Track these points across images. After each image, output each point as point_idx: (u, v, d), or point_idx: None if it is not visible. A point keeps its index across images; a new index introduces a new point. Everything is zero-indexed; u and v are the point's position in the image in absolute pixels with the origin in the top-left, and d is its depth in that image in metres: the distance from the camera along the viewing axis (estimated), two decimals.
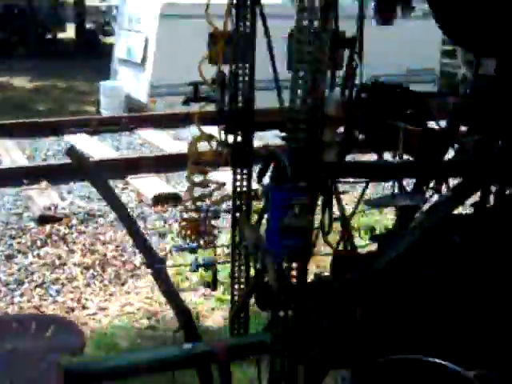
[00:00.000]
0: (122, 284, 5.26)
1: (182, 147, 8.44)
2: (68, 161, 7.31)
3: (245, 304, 2.88)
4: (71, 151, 2.59)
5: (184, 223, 2.90)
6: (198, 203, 2.87)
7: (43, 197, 6.08)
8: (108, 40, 21.14)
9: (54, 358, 2.39)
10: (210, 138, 2.73)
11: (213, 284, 2.86)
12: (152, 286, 5.26)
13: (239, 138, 2.69)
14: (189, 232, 2.89)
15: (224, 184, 2.78)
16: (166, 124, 9.33)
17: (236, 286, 2.86)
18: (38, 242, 5.49)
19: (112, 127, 8.85)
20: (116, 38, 12.71)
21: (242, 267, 2.84)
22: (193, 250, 2.63)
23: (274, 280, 1.96)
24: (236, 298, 2.89)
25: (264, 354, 2.86)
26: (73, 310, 4.88)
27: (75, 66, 16.53)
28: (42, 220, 5.71)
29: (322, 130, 1.78)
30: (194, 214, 2.89)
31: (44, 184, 6.38)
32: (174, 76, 11.10)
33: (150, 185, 6.48)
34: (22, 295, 4.95)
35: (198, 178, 2.85)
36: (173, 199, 6.25)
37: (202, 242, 2.91)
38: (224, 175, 2.90)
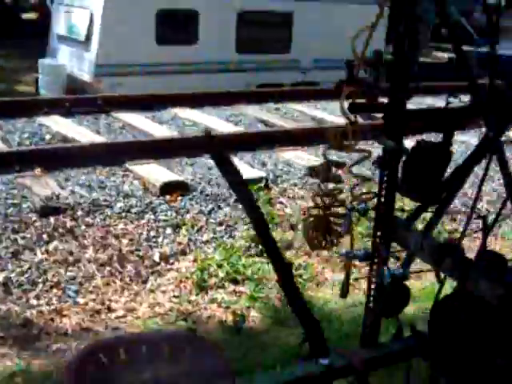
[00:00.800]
0: (144, 281, 4.82)
1: (165, 131, 7.92)
2: (64, 145, 6.69)
3: (379, 312, 2.58)
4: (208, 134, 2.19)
5: (311, 220, 2.56)
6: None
7: (40, 185, 5.50)
8: (26, 16, 19.98)
9: None
10: (357, 126, 2.39)
11: (344, 288, 2.53)
12: (177, 283, 4.85)
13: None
14: (316, 233, 2.56)
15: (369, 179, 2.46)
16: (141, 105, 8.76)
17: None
18: (45, 236, 4.94)
19: (88, 108, 8.22)
20: (54, 14, 11.81)
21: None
22: (367, 257, 2.29)
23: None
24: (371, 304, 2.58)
25: (404, 361, 2.62)
26: (98, 312, 4.41)
27: None
28: (45, 212, 5.15)
29: None
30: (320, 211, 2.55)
31: (37, 171, 5.78)
32: (121, 55, 10.52)
33: (153, 172, 6.00)
34: (37, 297, 4.43)
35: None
36: (181, 188, 5.81)
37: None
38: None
